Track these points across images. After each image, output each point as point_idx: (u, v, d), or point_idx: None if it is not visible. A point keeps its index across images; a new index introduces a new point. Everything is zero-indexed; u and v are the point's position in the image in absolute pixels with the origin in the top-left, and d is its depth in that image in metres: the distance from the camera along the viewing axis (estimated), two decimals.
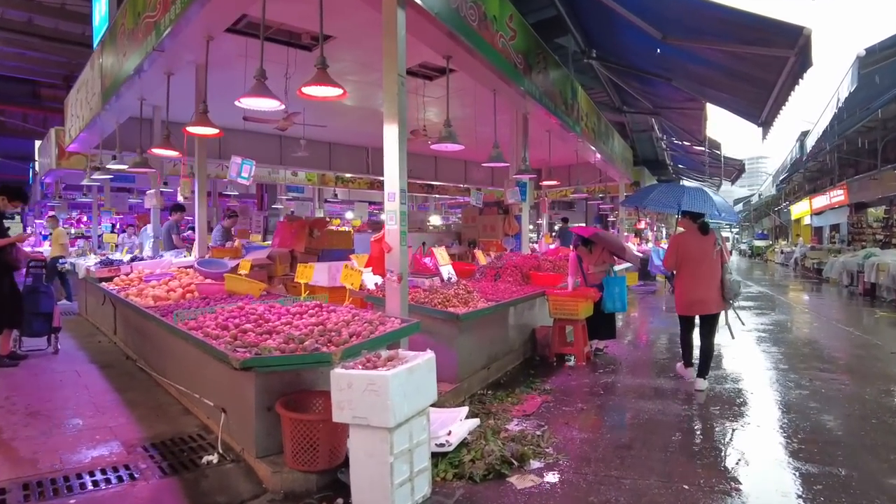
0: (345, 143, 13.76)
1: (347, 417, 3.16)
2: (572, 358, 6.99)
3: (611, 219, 18.84)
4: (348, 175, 15.52)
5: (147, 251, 10.34)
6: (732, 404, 5.31)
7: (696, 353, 5.94)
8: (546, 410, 5.11)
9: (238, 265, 6.68)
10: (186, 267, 7.49)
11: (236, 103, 4.85)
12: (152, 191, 9.82)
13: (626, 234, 20.64)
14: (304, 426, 3.41)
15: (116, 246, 12.87)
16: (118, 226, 17.39)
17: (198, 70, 7.07)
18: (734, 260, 39.88)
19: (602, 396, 5.57)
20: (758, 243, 41.14)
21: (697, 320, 5.87)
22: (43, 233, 18.16)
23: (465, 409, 4.46)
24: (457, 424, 4.14)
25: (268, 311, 4.14)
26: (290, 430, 3.45)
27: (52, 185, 15.22)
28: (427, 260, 6.70)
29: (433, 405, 4.74)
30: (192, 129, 5.38)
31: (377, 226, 10.88)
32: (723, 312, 5.84)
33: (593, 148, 11.35)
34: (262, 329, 3.65)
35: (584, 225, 21.05)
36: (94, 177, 10.27)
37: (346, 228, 14.01)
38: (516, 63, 6.67)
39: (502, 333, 6.38)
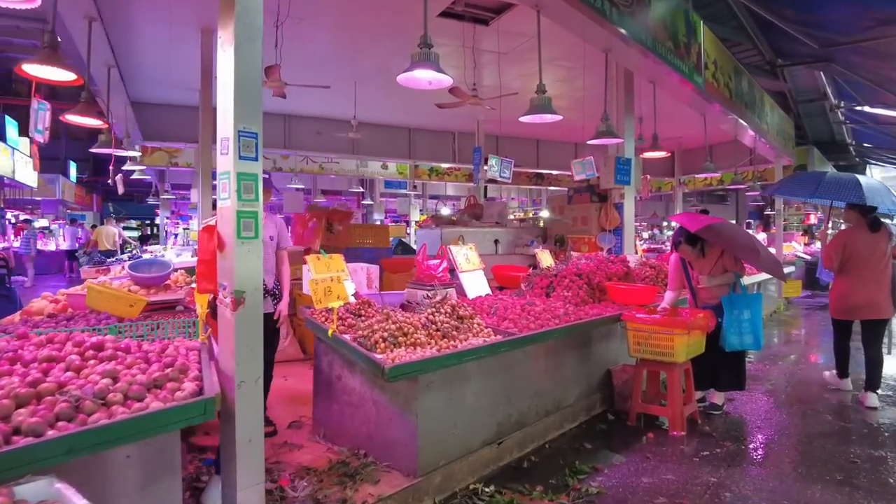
0: (426, 128, 11.77)
1: None
2: (665, 422, 4.25)
3: (768, 212, 14.70)
4: (445, 166, 13.50)
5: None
6: None
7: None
8: None
9: None
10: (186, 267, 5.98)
11: None
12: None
13: (794, 233, 16.20)
14: None
15: None
16: None
17: None
18: None
19: None
20: None
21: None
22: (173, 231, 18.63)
23: None
24: None
25: None
26: None
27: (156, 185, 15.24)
28: (434, 263, 4.40)
29: None
30: (29, 69, 3.62)
31: (441, 220, 8.69)
32: None
33: (737, 117, 8.09)
34: None
35: (732, 222, 16.93)
36: (124, 168, 9.42)
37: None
38: None
39: (536, 383, 3.87)
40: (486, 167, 8.58)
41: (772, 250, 11.57)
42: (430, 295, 3.51)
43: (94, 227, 15.42)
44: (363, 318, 3.51)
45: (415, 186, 14.08)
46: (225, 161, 2.32)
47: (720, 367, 4.62)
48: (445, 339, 3.20)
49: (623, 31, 4.92)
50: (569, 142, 13.29)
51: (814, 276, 12.27)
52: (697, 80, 6.52)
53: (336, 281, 3.29)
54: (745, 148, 11.24)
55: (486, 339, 3.29)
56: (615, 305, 4.75)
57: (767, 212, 14.65)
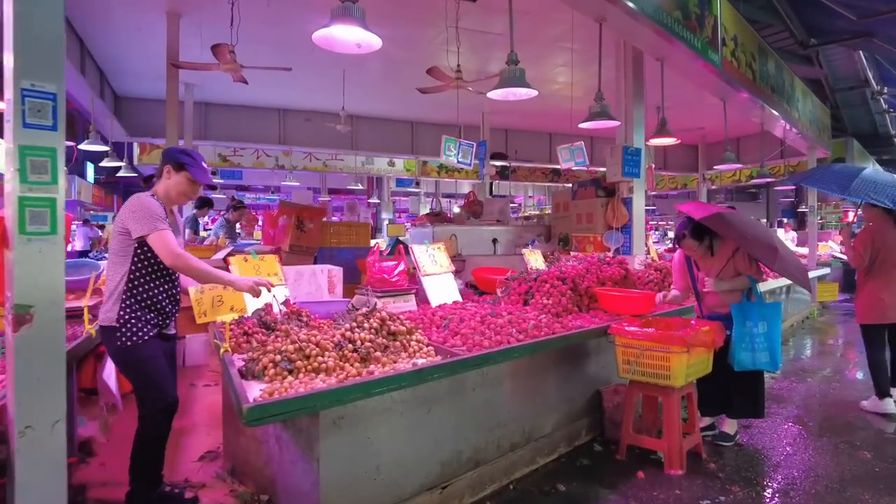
0: (430, 122, 11.10)
1: None
2: (662, 456, 3.49)
3: (801, 209, 13.53)
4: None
5: None
6: None
7: None
8: None
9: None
10: None
11: None
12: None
13: (831, 231, 14.94)
14: None
15: None
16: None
17: None
18: None
19: None
20: None
21: None
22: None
23: None
24: None
25: None
26: None
27: None
28: (388, 265, 3.74)
29: None
30: None
31: (436, 218, 8.02)
32: None
33: (763, 102, 7.18)
34: None
35: (762, 220, 15.70)
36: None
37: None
38: None
39: (499, 412, 3.17)
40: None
41: (804, 250, 10.55)
42: (354, 305, 2.86)
43: (101, 226, 15.30)
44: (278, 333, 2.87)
45: (417, 183, 13.42)
46: (7, 131, 1.70)
47: (733, 388, 3.84)
48: (364, 363, 2.53)
49: None
50: (584, 135, 12.44)
51: (852, 279, 11.18)
52: (713, 57, 5.69)
53: (230, 289, 2.66)
54: (774, 140, 10.24)
55: (419, 363, 2.61)
56: (606, 315, 4.01)
57: (802, 208, 13.49)
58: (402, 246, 4.06)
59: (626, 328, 3.52)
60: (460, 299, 4.13)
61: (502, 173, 13.70)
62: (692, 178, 14.91)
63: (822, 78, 11.44)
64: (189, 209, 8.06)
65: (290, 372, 2.37)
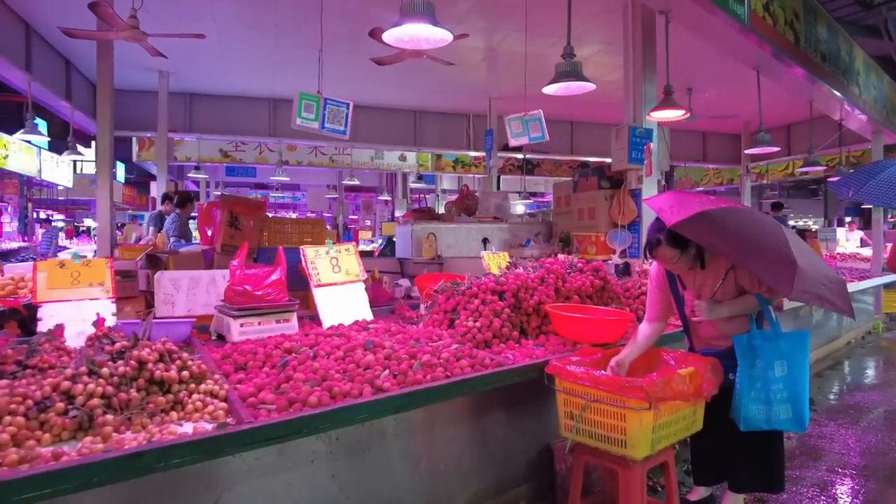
0: (434, 110, 10.03)
1: None
2: None
3: (866, 205, 11.67)
4: (472, 154, 11.73)
5: None
6: None
7: None
8: None
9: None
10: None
11: None
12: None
13: None
14: None
15: None
16: None
17: None
18: None
19: None
20: None
21: None
22: None
23: None
24: None
25: None
26: None
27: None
28: (256, 272, 2.80)
29: None
30: None
31: (422, 214, 7.03)
32: None
33: (808, 72, 5.78)
34: None
35: (820, 220, 13.83)
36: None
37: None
38: None
39: (361, 491, 2.16)
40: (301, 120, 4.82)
41: (866, 251, 8.87)
42: (108, 339, 1.91)
43: (123, 225, 15.16)
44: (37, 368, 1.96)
45: (420, 177, 12.39)
46: None
47: (737, 450, 2.67)
48: (84, 433, 1.59)
49: None
50: (613, 123, 11.10)
51: None
52: (735, 9, 4.43)
53: None
54: (832, 125, 8.64)
55: (180, 432, 1.63)
56: (560, 342, 2.91)
57: (865, 205, 11.64)
58: (282, 248, 3.09)
59: (569, 367, 2.43)
60: (369, 316, 3.12)
61: (525, 168, 12.54)
62: (739, 171, 13.27)
63: (893, 53, 9.72)
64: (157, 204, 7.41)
65: None
